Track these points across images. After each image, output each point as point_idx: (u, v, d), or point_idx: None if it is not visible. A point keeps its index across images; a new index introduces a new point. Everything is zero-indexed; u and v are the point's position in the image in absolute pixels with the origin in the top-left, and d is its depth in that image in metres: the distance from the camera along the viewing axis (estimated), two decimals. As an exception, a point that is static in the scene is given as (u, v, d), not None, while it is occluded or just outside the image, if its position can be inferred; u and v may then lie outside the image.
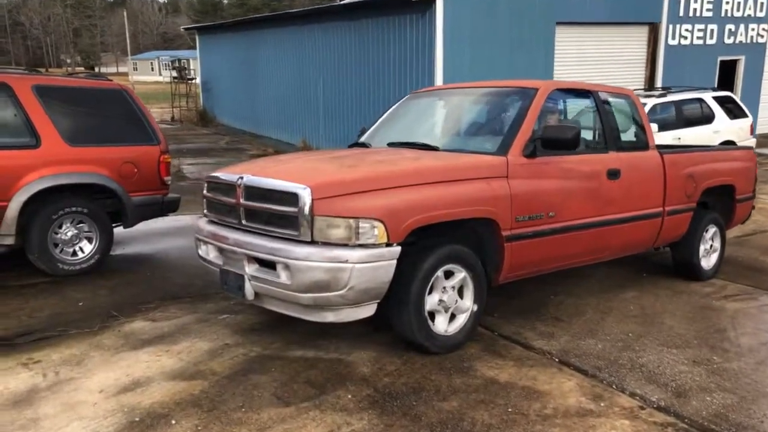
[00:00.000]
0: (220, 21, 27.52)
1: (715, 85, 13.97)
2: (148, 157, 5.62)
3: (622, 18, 12.99)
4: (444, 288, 3.73)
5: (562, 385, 3.35)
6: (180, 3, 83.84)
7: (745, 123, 10.55)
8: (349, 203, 3.39)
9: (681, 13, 13.88)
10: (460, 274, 3.79)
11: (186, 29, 27.87)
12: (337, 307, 3.46)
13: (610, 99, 4.91)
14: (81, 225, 5.38)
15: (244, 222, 3.78)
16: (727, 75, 15.09)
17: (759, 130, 14.15)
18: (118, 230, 5.80)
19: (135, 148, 5.57)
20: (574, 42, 12.54)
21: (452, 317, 3.82)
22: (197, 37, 22.43)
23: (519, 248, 3.98)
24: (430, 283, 3.64)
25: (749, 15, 14.93)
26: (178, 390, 3.26)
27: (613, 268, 5.64)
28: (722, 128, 10.11)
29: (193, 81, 23.63)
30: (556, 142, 4.04)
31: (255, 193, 3.68)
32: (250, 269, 3.68)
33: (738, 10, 14.74)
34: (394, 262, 3.43)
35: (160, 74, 53.54)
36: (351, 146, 5.06)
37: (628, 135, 5.01)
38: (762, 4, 15.09)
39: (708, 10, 14.29)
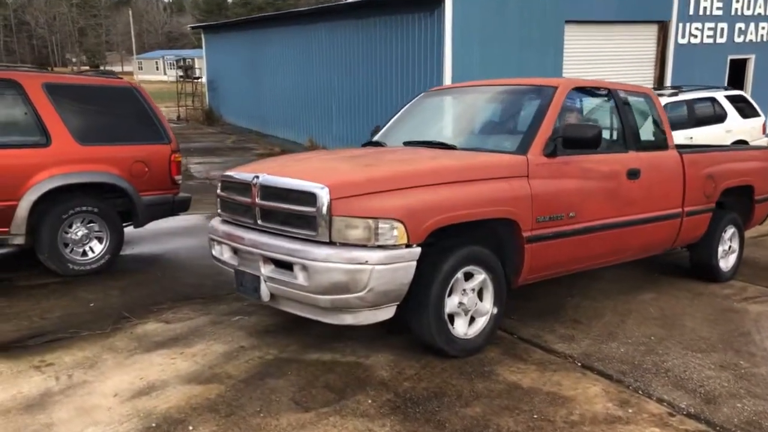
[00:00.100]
0: (225, 20, 27.48)
1: (725, 84, 13.85)
2: (158, 156, 5.55)
3: (631, 16, 12.87)
4: (464, 290, 3.65)
5: (587, 390, 3.27)
6: (184, 2, 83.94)
7: (757, 122, 10.44)
8: (368, 203, 3.32)
9: (691, 12, 13.75)
10: (480, 276, 3.71)
11: (192, 28, 27.86)
12: (356, 309, 3.38)
13: (629, 98, 4.82)
14: (91, 224, 5.32)
15: (259, 222, 3.70)
16: (736, 74, 14.95)
17: (770, 130, 14.00)
18: (127, 230, 5.74)
19: (146, 146, 5.51)
20: (583, 41, 12.44)
21: (472, 320, 3.74)
22: (203, 36, 22.39)
23: (539, 249, 3.90)
24: (450, 285, 3.56)
25: (759, 13, 14.79)
26: (194, 394, 3.19)
27: (627, 269, 5.55)
28: (734, 128, 10.00)
29: (199, 80, 23.59)
30: (577, 141, 3.96)
31: (271, 192, 3.61)
32: (266, 270, 3.61)
33: (748, 8, 14.60)
34: (414, 263, 3.35)
35: (165, 73, 53.57)
36: (365, 145, 4.97)
37: (648, 134, 4.92)
38: (773, 2, 14.95)
39: (718, 8, 14.16)
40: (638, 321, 4.37)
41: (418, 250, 3.35)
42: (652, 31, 13.48)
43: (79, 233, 5.25)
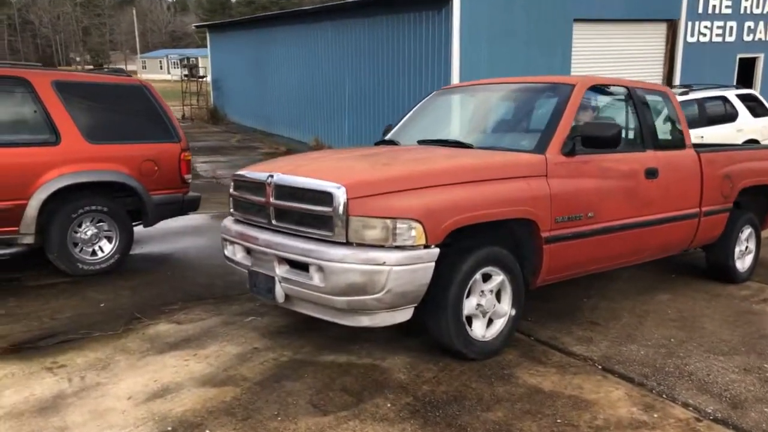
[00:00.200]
0: (230, 19, 27.44)
1: (734, 83, 13.75)
2: (168, 154, 5.50)
3: (640, 15, 12.78)
4: (482, 291, 3.59)
5: (610, 394, 3.20)
6: (188, 2, 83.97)
7: (768, 121, 10.34)
8: (385, 203, 3.25)
9: (700, 10, 13.65)
10: (498, 277, 3.64)
11: (197, 27, 27.84)
12: (373, 311, 3.32)
13: (647, 96, 4.75)
14: (101, 224, 5.27)
15: (274, 222, 3.64)
16: (745, 73, 14.85)
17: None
18: (135, 229, 5.67)
19: (155, 145, 5.45)
20: (591, 39, 12.35)
21: (489, 322, 3.68)
22: (208, 35, 22.35)
23: (558, 250, 3.83)
24: (468, 287, 3.50)
25: (768, 12, 14.69)
26: (210, 397, 3.13)
27: (642, 269, 5.48)
28: (746, 127, 9.91)
29: (204, 79, 23.56)
30: (596, 140, 3.89)
31: (286, 192, 3.55)
32: (280, 271, 3.55)
33: (757, 6, 14.48)
34: (433, 264, 3.29)
35: (169, 72, 53.54)
36: (377, 144, 4.91)
37: (665, 133, 4.85)
38: (782, 1, 14.84)
39: (727, 6, 14.05)
40: (656, 322, 4.30)
41: (437, 250, 3.29)
42: (660, 29, 13.38)
43: (89, 232, 5.20)
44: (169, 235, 6.68)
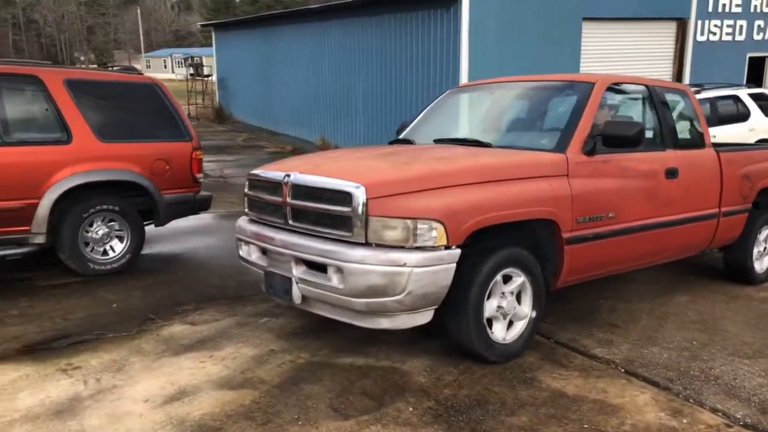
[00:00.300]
0: (234, 18, 27.41)
1: (744, 82, 13.64)
2: (180, 153, 5.45)
3: (650, 13, 12.69)
4: (503, 293, 3.53)
5: (636, 398, 3.14)
6: (192, 1, 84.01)
7: (781, 121, 10.23)
8: (405, 203, 3.19)
9: (710, 9, 13.55)
10: (519, 279, 3.58)
11: (202, 26, 27.79)
12: (393, 313, 3.26)
13: (666, 94, 4.68)
14: (112, 223, 5.22)
15: (290, 222, 3.58)
16: (755, 72, 14.73)
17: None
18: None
19: (167, 144, 5.40)
20: (600, 38, 12.27)
21: (510, 324, 3.62)
22: (213, 34, 22.31)
23: (579, 251, 3.77)
24: (489, 289, 3.44)
25: (779, 11, 14.56)
26: (228, 400, 3.07)
27: (658, 270, 5.40)
28: (758, 126, 9.82)
29: (210, 78, 23.53)
30: (618, 139, 3.82)
31: (304, 191, 3.49)
32: (297, 272, 3.49)
33: (767, 5, 14.37)
34: (454, 265, 3.23)
35: (173, 71, 53.58)
36: (392, 143, 4.85)
37: (684, 132, 4.78)
38: (793, -1, 14.71)
39: (737, 5, 13.94)
40: (677, 325, 4.23)
41: (458, 251, 3.22)
42: (670, 28, 13.28)
43: (100, 232, 5.15)
44: (179, 235, 6.63)
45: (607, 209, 3.91)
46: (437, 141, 4.43)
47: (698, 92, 9.52)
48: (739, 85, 10.48)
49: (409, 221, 3.14)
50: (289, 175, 3.57)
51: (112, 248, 5.25)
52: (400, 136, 4.87)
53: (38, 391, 3.16)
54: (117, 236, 5.26)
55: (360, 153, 4.19)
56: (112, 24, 76.65)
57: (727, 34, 13.95)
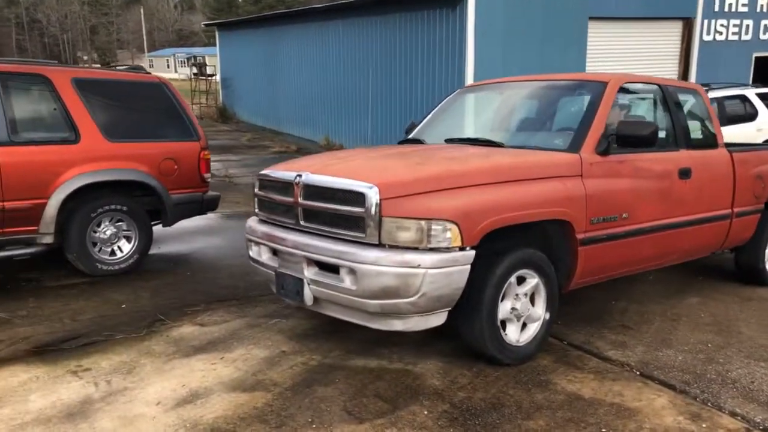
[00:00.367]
0: (237, 17, 27.38)
1: (750, 82, 13.58)
2: (188, 153, 5.42)
3: (656, 13, 12.63)
4: (516, 295, 3.49)
5: (653, 402, 3.10)
6: (195, 0, 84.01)
7: (789, 121, 10.16)
8: (419, 203, 3.16)
9: (716, 8, 13.48)
10: (533, 280, 3.54)
11: (206, 26, 27.78)
12: (406, 314, 3.23)
13: (679, 94, 4.64)
14: (120, 223, 5.19)
15: (302, 223, 3.55)
16: (762, 71, 14.66)
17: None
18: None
19: (175, 143, 5.37)
20: (606, 37, 12.22)
21: (523, 326, 3.58)
22: (217, 33, 22.29)
23: (593, 252, 3.73)
24: (503, 290, 3.40)
25: (785, 10, 14.49)
26: (240, 403, 3.04)
27: (667, 272, 5.35)
28: (766, 126, 9.75)
29: (213, 77, 23.52)
30: (632, 139, 3.78)
31: (316, 192, 3.46)
32: (309, 273, 3.46)
33: (774, 5, 14.30)
34: (469, 267, 3.19)
35: (176, 71, 53.61)
36: (402, 143, 4.81)
37: (697, 132, 4.74)
38: (799, -1, 14.63)
39: (743, 5, 13.88)
40: (690, 327, 4.19)
41: (473, 253, 3.19)
42: (676, 27, 13.22)
43: (108, 232, 5.13)
44: (185, 235, 6.60)
45: (621, 210, 3.88)
46: (448, 141, 4.39)
47: (706, 92, 9.46)
48: (746, 85, 10.42)
49: (423, 222, 3.10)
50: (300, 175, 3.54)
51: (119, 248, 5.22)
52: (410, 136, 4.84)
53: (49, 393, 3.13)
54: (125, 236, 5.23)
55: (371, 153, 4.15)
56: (115, 23, 76.73)
57: (734, 33, 13.89)
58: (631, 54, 12.55)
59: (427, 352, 3.66)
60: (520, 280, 3.52)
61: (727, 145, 4.94)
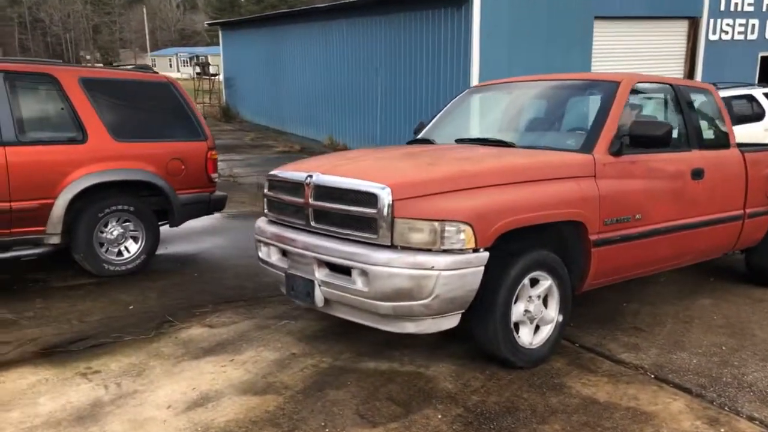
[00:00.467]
0: (240, 17, 27.34)
1: (756, 82, 13.52)
2: (195, 153, 5.38)
3: (661, 12, 12.58)
4: (530, 297, 3.45)
5: (669, 406, 3.06)
6: (197, 0, 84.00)
7: (796, 121, 10.10)
8: (432, 204, 3.12)
9: (722, 8, 13.42)
10: (546, 282, 3.50)
11: (209, 25, 27.74)
12: (419, 317, 3.19)
13: (691, 93, 4.59)
14: (127, 224, 5.16)
15: (313, 224, 3.51)
16: (767, 71, 14.60)
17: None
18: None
19: (182, 143, 5.34)
20: (612, 36, 12.17)
21: (536, 329, 3.54)
22: (220, 33, 22.27)
23: (606, 253, 3.69)
24: (516, 292, 3.36)
25: (791, 10, 14.42)
26: (252, 406, 3.01)
27: (677, 273, 5.31)
28: (774, 126, 9.69)
29: (217, 77, 23.50)
30: (646, 139, 3.74)
31: (327, 192, 3.42)
32: (320, 274, 3.42)
33: (780, 5, 14.24)
34: (482, 269, 3.15)
35: (179, 71, 53.60)
36: (411, 143, 4.77)
37: (709, 132, 4.70)
38: (806, -2, 14.56)
39: (749, 4, 13.81)
40: (703, 329, 4.15)
41: (486, 254, 3.15)
42: (682, 27, 13.17)
43: (115, 232, 5.09)
44: (191, 235, 6.57)
45: (634, 211, 3.84)
46: (458, 141, 4.35)
47: (713, 92, 9.41)
48: (753, 85, 10.36)
49: (436, 223, 3.07)
50: (311, 176, 3.51)
51: (126, 249, 5.19)
52: (419, 136, 4.80)
53: (58, 395, 3.10)
54: (132, 237, 5.20)
55: (381, 153, 4.11)
56: (118, 23, 76.76)
57: (739, 33, 13.83)
58: (637, 54, 12.50)
59: (439, 354, 3.62)
60: (533, 282, 3.48)
61: (739, 145, 4.90)
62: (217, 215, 7.01)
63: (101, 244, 5.05)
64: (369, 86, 13.13)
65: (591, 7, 11.49)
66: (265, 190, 3.96)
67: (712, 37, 13.41)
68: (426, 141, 4.63)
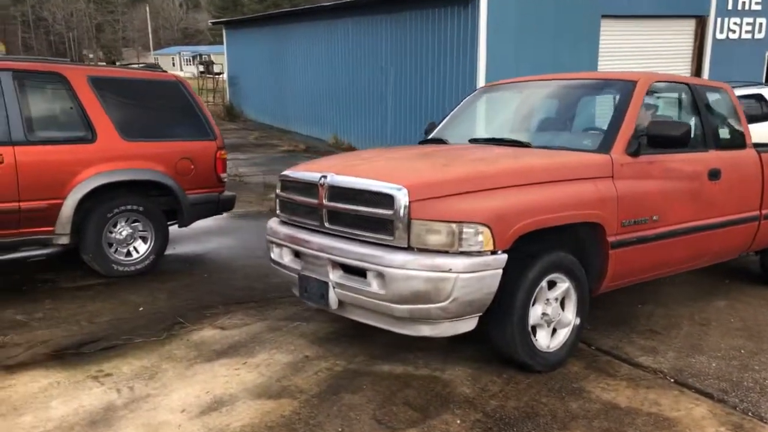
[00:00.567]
0: (243, 16, 27.27)
1: (763, 81, 13.44)
2: (204, 152, 5.34)
3: (669, 11, 12.51)
4: (547, 300, 3.40)
5: (692, 411, 3.00)
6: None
7: (806, 120, 10.02)
8: (450, 206, 3.07)
9: (729, 6, 13.34)
10: (564, 285, 3.45)
11: (213, 24, 27.69)
12: (436, 320, 3.14)
13: (707, 93, 4.54)
14: (136, 224, 5.12)
15: (327, 225, 3.47)
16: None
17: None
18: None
19: (191, 143, 5.29)
20: (619, 35, 12.11)
21: (553, 332, 3.49)
22: (224, 32, 22.22)
23: (624, 255, 3.64)
24: (534, 295, 3.31)
25: (799, 8, 14.33)
26: (267, 410, 2.96)
27: (692, 274, 5.22)
28: (783, 126, 9.61)
29: (221, 75, 23.47)
30: (664, 139, 3.69)
31: (341, 193, 3.37)
32: (334, 276, 3.38)
33: (787, 3, 14.15)
34: (501, 271, 3.10)
35: (182, 69, 53.56)
36: (422, 143, 4.72)
37: (726, 132, 4.64)
38: (813, -4, 14.46)
39: (757, 3, 13.72)
40: (721, 332, 4.09)
41: (505, 256, 3.10)
42: (689, 26, 13.09)
43: (124, 233, 5.05)
44: (199, 235, 6.53)
45: (652, 212, 3.78)
46: (472, 141, 4.30)
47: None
48: (761, 84, 10.29)
49: (454, 225, 3.02)
50: (325, 176, 3.46)
51: (135, 249, 5.15)
52: (432, 136, 4.75)
53: (71, 399, 3.06)
54: (141, 237, 5.16)
55: (394, 153, 4.06)
56: (121, 22, 76.80)
57: (747, 32, 13.74)
58: (644, 52, 12.43)
59: (454, 357, 3.58)
60: (551, 285, 3.43)
61: (755, 145, 4.84)
62: (223, 215, 6.97)
63: (110, 245, 5.01)
64: (374, 85, 13.07)
65: (598, 5, 11.42)
66: (277, 191, 3.91)
67: (719, 36, 13.33)
68: (439, 141, 4.58)
